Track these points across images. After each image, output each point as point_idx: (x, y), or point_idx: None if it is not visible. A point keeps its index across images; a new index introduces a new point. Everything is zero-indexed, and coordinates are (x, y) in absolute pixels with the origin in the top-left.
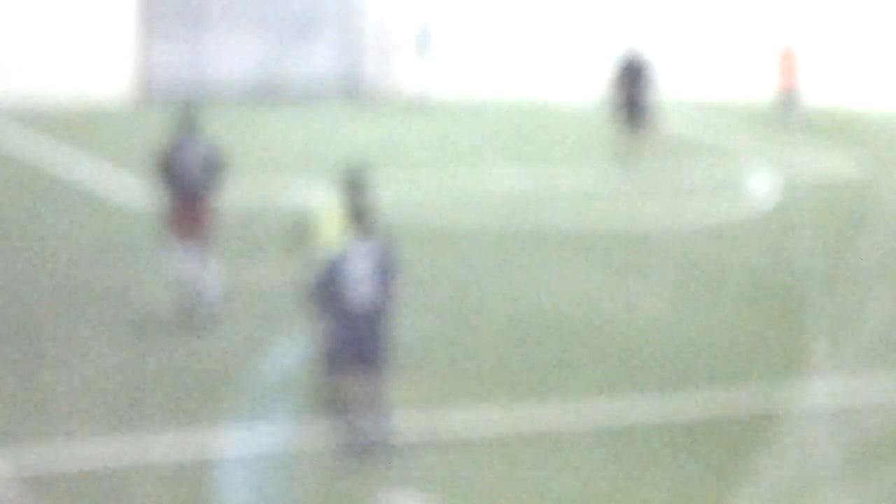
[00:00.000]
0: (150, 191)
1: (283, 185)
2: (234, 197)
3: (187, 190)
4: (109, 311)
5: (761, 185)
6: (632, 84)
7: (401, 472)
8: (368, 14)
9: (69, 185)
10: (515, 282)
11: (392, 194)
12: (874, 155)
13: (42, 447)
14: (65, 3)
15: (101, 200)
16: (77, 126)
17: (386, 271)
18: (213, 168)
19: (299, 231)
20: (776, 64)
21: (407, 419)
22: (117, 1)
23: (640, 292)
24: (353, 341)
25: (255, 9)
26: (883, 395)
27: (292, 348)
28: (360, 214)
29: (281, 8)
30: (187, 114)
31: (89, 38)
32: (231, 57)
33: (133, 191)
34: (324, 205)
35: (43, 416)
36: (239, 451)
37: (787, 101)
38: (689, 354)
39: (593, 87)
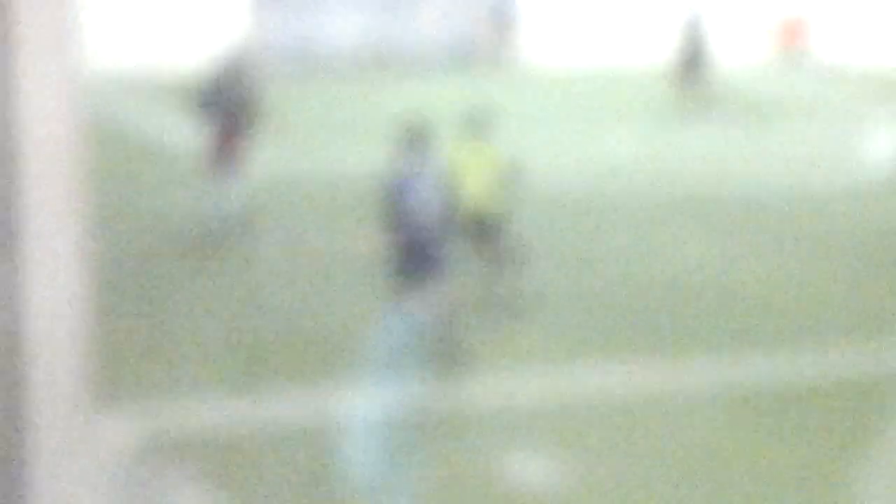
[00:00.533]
0: None
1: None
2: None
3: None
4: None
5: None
6: (695, 45)
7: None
8: None
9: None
10: (638, 245)
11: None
12: None
13: (167, 408)
14: None
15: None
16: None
17: (441, 192)
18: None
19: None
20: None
21: (524, 375)
22: None
23: (761, 254)
24: (418, 248)
25: None
26: None
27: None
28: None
29: None
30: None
31: (203, 10)
32: (341, 27)
33: None
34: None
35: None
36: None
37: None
38: (812, 316)
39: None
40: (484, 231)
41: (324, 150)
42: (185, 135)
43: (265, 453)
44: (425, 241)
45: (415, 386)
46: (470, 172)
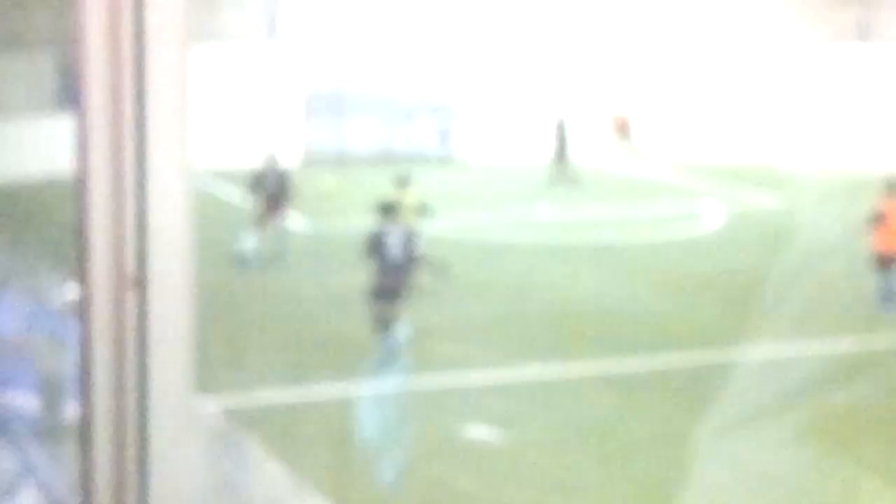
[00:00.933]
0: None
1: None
2: None
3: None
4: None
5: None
6: (561, 143)
7: None
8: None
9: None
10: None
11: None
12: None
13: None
14: (252, 96)
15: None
16: None
17: (409, 244)
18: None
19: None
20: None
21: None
22: (290, 96)
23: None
24: (389, 279)
25: (383, 97)
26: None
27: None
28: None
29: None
30: None
31: (269, 120)
32: (362, 134)
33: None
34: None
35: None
36: None
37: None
38: (654, 328)
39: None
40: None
41: (338, 215)
42: (245, 203)
43: (311, 421)
44: (394, 274)
45: (397, 374)
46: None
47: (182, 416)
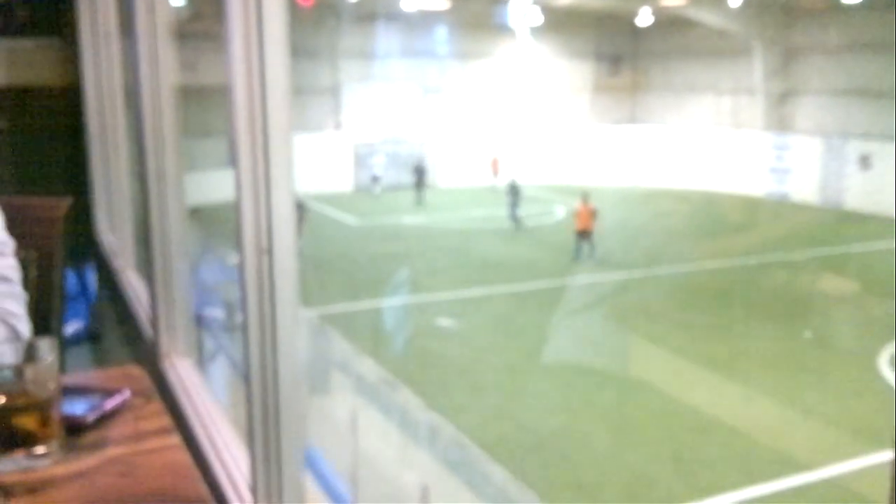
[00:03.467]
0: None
1: None
2: None
3: None
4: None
5: None
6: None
7: None
8: None
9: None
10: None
11: None
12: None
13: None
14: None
15: (346, 224)
16: (340, 200)
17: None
18: None
19: None
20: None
21: None
22: (346, 154)
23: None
24: None
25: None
26: None
27: None
28: None
29: None
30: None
31: (335, 167)
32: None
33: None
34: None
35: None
36: None
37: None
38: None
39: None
40: None
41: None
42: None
43: (361, 321)
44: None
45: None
46: None
47: (293, 320)
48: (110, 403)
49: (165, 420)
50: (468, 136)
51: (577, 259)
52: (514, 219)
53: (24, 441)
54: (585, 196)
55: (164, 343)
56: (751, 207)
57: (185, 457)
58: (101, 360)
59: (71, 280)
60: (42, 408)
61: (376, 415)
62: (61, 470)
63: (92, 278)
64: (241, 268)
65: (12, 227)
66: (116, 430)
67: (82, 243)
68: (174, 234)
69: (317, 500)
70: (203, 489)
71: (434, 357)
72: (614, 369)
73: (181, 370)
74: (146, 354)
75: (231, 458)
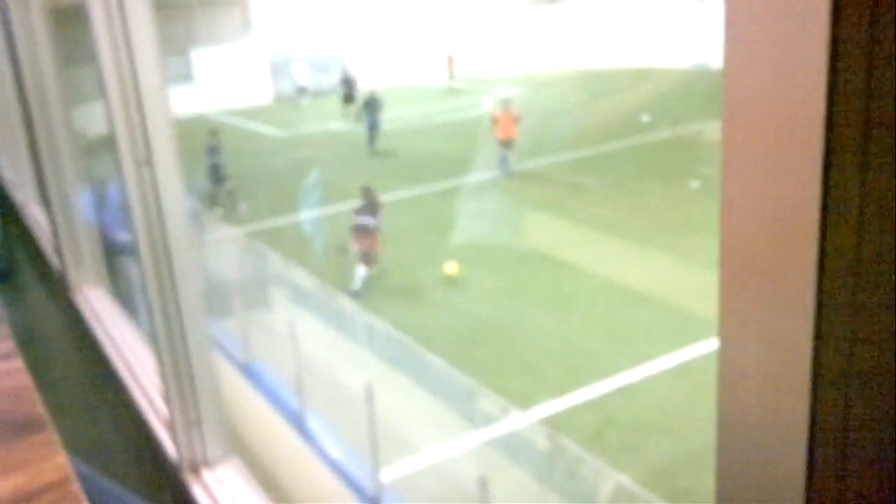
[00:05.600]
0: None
1: None
2: None
3: None
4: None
5: None
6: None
7: None
8: None
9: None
10: None
11: None
12: None
13: None
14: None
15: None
16: (262, 113)
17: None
18: None
19: None
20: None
21: None
22: (261, 63)
23: None
24: None
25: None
26: None
27: None
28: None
29: None
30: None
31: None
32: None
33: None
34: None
35: None
36: None
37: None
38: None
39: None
40: None
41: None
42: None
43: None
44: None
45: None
46: None
47: (183, 228)
48: None
49: (8, 345)
50: (391, 32)
51: (503, 174)
52: (371, 131)
53: None
54: (506, 102)
55: (73, 275)
56: (668, 81)
57: (26, 380)
58: (15, 299)
59: None
60: None
61: (316, 323)
62: None
63: None
64: (121, 182)
65: None
66: None
67: None
68: (66, 162)
69: (262, 410)
70: (40, 411)
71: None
72: (516, 244)
73: (94, 301)
74: (56, 288)
75: (147, 377)
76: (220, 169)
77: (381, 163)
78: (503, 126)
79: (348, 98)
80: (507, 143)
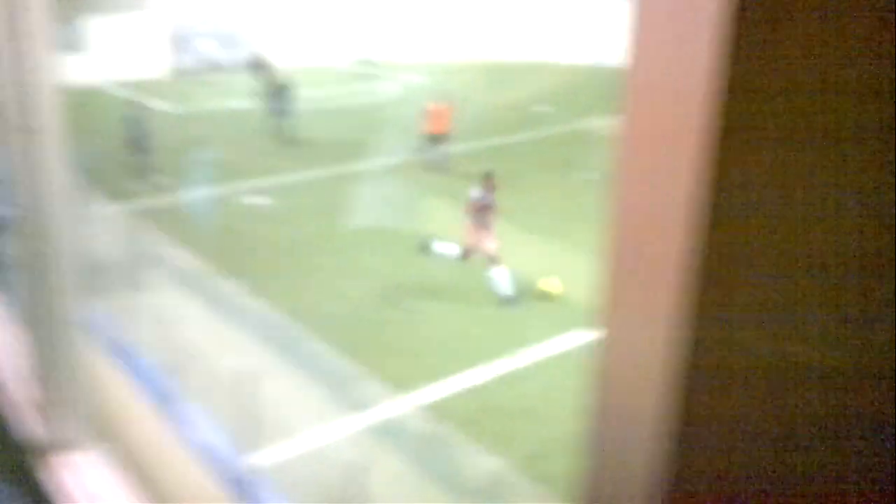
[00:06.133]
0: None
1: None
2: None
3: None
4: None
5: None
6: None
7: None
8: None
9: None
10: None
11: None
12: None
13: None
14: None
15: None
16: (158, 87)
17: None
18: None
19: None
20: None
21: None
22: (161, 37)
23: None
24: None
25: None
26: None
27: None
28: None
29: None
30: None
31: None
32: (217, 55)
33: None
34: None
35: None
36: None
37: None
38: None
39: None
40: None
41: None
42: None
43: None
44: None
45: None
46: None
47: (64, 198)
48: None
49: None
50: (300, 14)
51: (430, 166)
52: (276, 114)
53: None
54: (442, 95)
55: None
56: (569, 76)
57: None
58: None
59: None
60: None
61: (197, 305)
62: None
63: None
64: (5, 151)
65: None
66: None
67: None
68: None
69: (133, 396)
70: None
71: (254, 240)
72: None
73: None
74: None
75: (10, 355)
76: (143, 140)
77: (282, 144)
78: (435, 119)
79: (258, 75)
80: (437, 138)
